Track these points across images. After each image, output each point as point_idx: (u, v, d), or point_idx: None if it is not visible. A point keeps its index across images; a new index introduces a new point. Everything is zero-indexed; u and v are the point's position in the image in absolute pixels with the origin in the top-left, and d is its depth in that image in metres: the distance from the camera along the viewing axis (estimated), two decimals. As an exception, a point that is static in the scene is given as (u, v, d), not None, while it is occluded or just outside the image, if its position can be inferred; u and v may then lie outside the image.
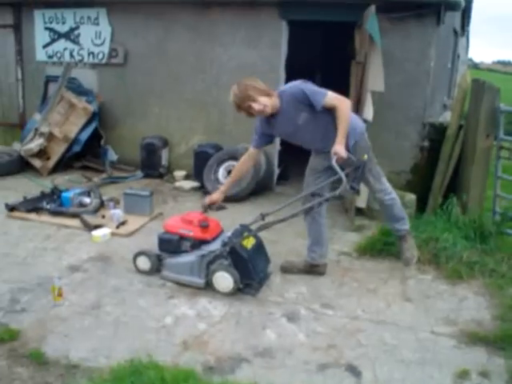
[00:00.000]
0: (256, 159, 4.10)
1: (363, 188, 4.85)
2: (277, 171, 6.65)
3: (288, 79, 6.36)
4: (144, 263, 4.01)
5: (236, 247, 3.69)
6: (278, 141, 6.49)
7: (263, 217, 3.80)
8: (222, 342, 3.15)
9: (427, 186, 5.43)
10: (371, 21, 4.91)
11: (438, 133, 5.61)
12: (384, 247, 4.51)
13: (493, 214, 5.00)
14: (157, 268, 3.98)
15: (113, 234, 4.78)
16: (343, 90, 6.12)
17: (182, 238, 3.90)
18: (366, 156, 3.59)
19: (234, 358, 2.99)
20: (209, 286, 3.77)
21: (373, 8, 4.94)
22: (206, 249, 3.82)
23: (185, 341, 3.14)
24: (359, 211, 5.36)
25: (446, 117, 8.01)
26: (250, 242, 3.81)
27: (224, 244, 3.74)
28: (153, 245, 4.15)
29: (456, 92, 6.49)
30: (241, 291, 3.73)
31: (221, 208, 5.63)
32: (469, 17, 11.19)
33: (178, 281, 3.86)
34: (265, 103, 3.54)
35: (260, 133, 3.84)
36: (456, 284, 4.01)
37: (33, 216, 5.15)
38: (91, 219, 5.00)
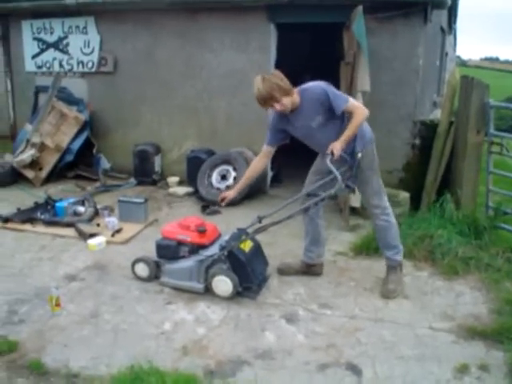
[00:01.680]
0: (269, 157, 3.98)
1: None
2: (270, 174, 6.66)
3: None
4: (142, 270, 4.00)
5: (234, 251, 3.69)
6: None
7: (260, 220, 3.79)
8: (221, 345, 3.15)
9: (420, 183, 5.46)
10: (358, 22, 4.93)
11: (429, 130, 5.65)
12: (379, 246, 4.53)
13: (486, 208, 5.03)
14: (155, 275, 3.98)
15: (108, 242, 4.77)
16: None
17: (180, 243, 3.90)
18: (359, 154, 3.60)
19: (235, 360, 2.99)
20: (208, 291, 3.77)
21: (360, 8, 4.97)
22: (204, 253, 3.82)
23: (184, 346, 3.13)
24: (353, 211, 5.37)
25: (437, 114, 8.06)
26: (247, 246, 3.82)
27: (222, 248, 3.74)
28: (149, 251, 4.16)
29: (445, 89, 6.54)
30: (240, 295, 3.73)
31: (215, 212, 5.66)
32: (455, 14, 11.25)
33: (177, 286, 3.86)
34: (287, 104, 3.49)
35: (273, 129, 3.77)
36: (452, 280, 4.04)
37: (27, 227, 5.13)
38: (86, 228, 4.99)
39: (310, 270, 4.15)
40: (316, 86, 3.55)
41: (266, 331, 3.32)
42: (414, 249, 4.41)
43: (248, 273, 3.70)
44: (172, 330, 3.32)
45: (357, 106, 3.55)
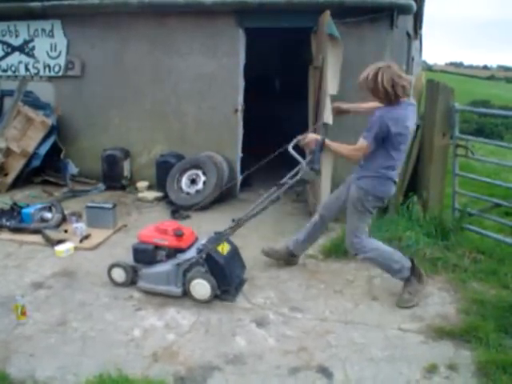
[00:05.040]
0: None
1: (325, 190, 4.91)
2: (240, 178, 6.65)
3: (247, 86, 6.41)
4: (119, 276, 3.94)
5: (212, 253, 3.70)
6: (239, 147, 6.51)
7: (237, 222, 3.82)
8: (192, 351, 3.13)
9: (388, 186, 5.52)
10: (330, 24, 4.98)
11: (396, 134, 5.71)
12: (349, 248, 4.57)
13: (452, 210, 5.12)
14: (132, 280, 3.92)
15: (76, 249, 4.69)
16: (303, 95, 6.23)
17: (157, 247, 3.86)
18: (321, 137, 3.72)
19: (205, 366, 2.98)
20: (186, 295, 3.74)
21: (328, 13, 5.01)
22: (181, 257, 3.80)
23: (154, 352, 3.10)
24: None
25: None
26: (225, 248, 3.83)
27: (199, 251, 3.73)
28: (118, 257, 4.11)
29: (412, 93, 6.63)
30: (218, 298, 3.72)
31: (184, 217, 5.63)
32: (421, 20, 11.46)
33: (154, 291, 3.81)
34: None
35: None
36: (421, 280, 4.09)
37: (-8, 234, 5.02)
38: (53, 234, 4.89)
39: (289, 259, 4.38)
40: (378, 112, 3.54)
41: (237, 336, 3.31)
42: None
43: (226, 275, 3.71)
44: (142, 337, 3.28)
45: (359, 145, 3.58)
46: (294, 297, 3.86)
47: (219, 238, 3.81)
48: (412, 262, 3.82)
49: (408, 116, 3.55)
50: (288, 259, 4.39)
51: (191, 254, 3.80)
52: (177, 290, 3.77)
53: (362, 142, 3.55)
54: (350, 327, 3.43)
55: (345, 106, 4.13)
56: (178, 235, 3.84)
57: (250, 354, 3.10)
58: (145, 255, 3.88)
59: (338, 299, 3.83)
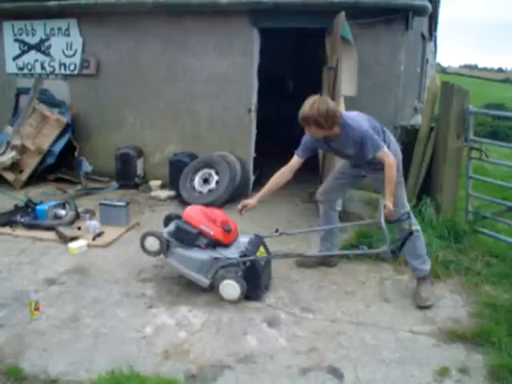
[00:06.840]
0: (295, 171, 3.89)
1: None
2: (252, 177, 6.66)
3: (261, 86, 6.42)
4: (151, 245, 3.91)
5: (256, 264, 3.70)
6: (252, 147, 6.52)
7: (280, 234, 3.88)
8: (203, 349, 3.14)
9: (401, 188, 5.50)
10: (344, 26, 4.98)
11: (409, 135, 5.69)
12: (361, 250, 4.56)
13: (465, 213, 5.09)
14: (163, 252, 3.91)
15: (89, 246, 4.72)
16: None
17: (201, 233, 3.83)
18: (413, 226, 3.67)
19: (216, 365, 2.98)
20: (212, 289, 3.75)
21: (343, 14, 5.01)
22: (222, 252, 3.79)
23: (166, 350, 3.12)
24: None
25: (417, 120, 8.14)
26: (262, 255, 3.84)
27: (243, 255, 3.73)
28: (131, 255, 4.13)
29: (426, 95, 6.60)
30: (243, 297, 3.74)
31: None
32: (436, 22, 11.40)
33: (182, 273, 3.83)
34: (314, 133, 3.62)
35: (307, 145, 3.81)
36: (432, 283, 4.07)
37: (7, 230, 5.06)
38: (67, 231, 4.93)
39: (326, 261, 4.36)
40: (358, 128, 3.52)
41: (248, 335, 3.31)
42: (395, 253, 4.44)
43: (259, 285, 3.74)
44: (153, 334, 3.29)
45: (386, 154, 3.54)
46: (305, 297, 3.86)
47: (260, 244, 3.85)
48: None
49: None
50: (324, 262, 4.42)
51: (232, 252, 3.80)
52: (205, 280, 3.75)
53: (383, 151, 3.52)
54: (361, 328, 3.42)
55: (252, 201, 3.92)
56: (227, 230, 3.82)
57: (261, 354, 3.10)
58: (187, 237, 3.82)
59: (350, 300, 3.83)
